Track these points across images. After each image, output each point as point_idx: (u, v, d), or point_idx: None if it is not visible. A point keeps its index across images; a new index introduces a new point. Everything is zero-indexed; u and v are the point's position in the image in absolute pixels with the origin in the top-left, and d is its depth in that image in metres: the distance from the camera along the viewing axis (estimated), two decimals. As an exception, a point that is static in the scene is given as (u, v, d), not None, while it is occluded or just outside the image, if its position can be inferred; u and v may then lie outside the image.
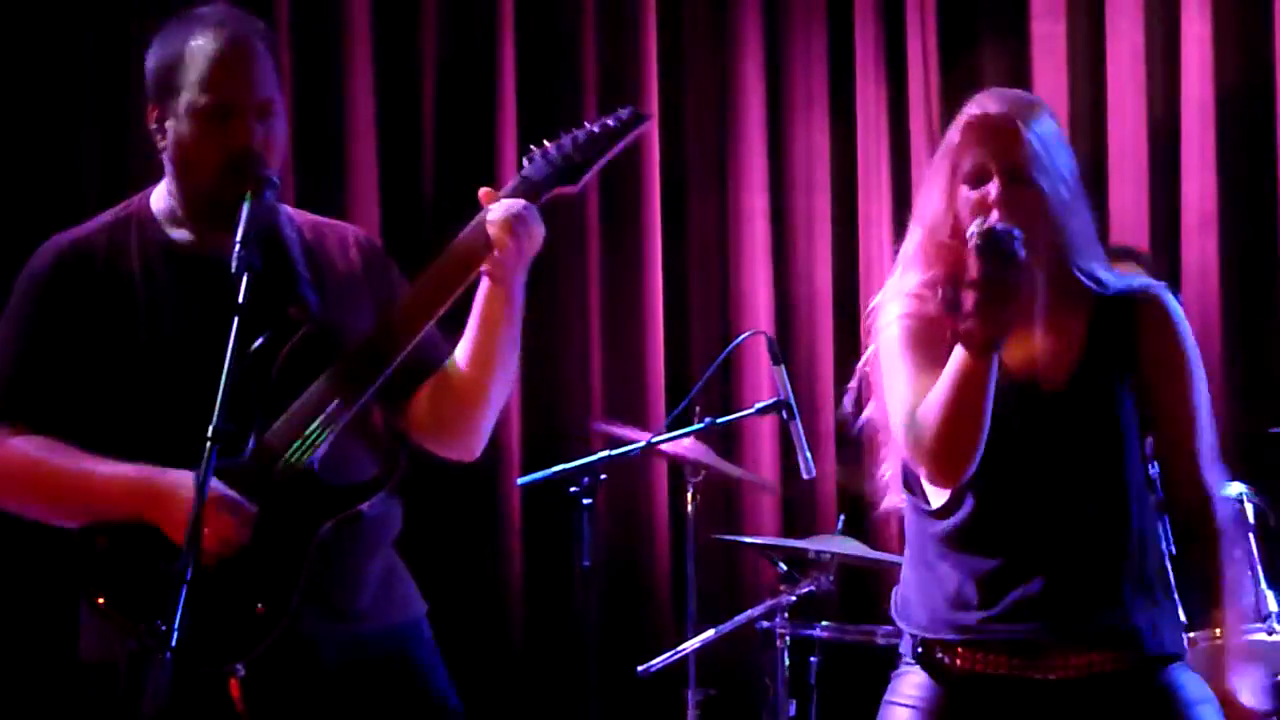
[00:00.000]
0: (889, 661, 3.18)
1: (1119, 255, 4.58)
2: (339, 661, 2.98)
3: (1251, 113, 5.77)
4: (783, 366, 4.60)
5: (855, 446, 5.85)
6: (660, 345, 5.92)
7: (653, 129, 5.81)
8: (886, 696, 3.12)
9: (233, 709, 2.83)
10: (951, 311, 2.81)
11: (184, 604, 2.56)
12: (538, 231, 2.98)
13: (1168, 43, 5.86)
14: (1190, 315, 3.14)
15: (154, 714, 2.52)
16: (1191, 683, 2.99)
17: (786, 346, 5.81)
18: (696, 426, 4.73)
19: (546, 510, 5.41)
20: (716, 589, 5.67)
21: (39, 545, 3.15)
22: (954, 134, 2.99)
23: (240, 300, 2.75)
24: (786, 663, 4.92)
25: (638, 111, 3.07)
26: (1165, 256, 5.65)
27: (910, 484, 3.09)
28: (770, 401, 4.61)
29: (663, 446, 4.76)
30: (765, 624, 4.95)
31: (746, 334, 5.17)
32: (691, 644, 4.91)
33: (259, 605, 2.84)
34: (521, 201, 2.97)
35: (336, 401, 2.92)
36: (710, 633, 4.91)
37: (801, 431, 4.58)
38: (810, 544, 5.14)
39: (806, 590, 4.92)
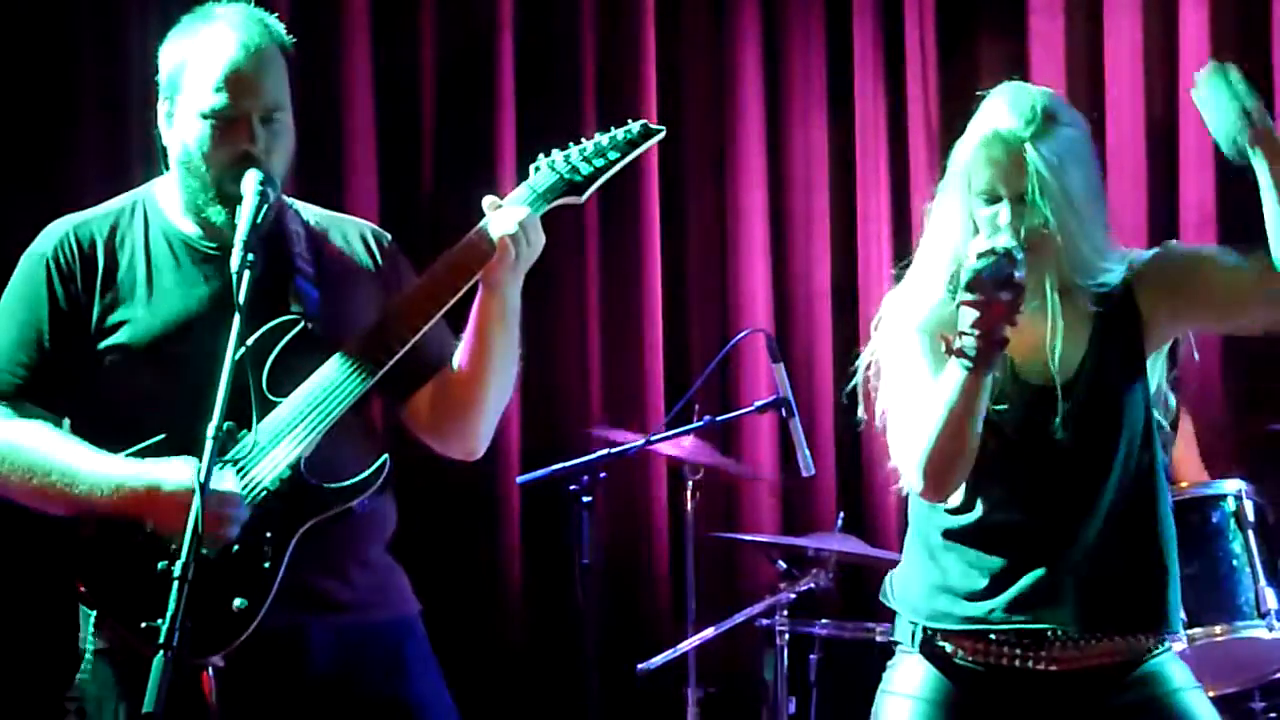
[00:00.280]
0: (888, 658, 3.18)
1: None
2: (328, 655, 2.98)
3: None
4: (781, 364, 4.59)
5: (854, 444, 5.88)
6: (659, 343, 5.92)
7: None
8: (884, 687, 3.14)
9: (203, 702, 2.83)
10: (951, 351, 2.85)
11: (175, 601, 2.57)
12: (537, 241, 2.99)
13: (1166, 39, 5.86)
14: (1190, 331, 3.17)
15: (152, 712, 2.52)
16: (1180, 671, 3.05)
17: (785, 344, 5.81)
18: (696, 424, 4.73)
19: (546, 509, 5.41)
20: (716, 587, 5.67)
21: (36, 531, 3.15)
22: (966, 148, 2.98)
23: (239, 300, 2.76)
24: (786, 660, 4.92)
25: (648, 125, 3.08)
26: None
27: None
28: (769, 399, 4.61)
29: (655, 447, 4.76)
30: (765, 621, 4.96)
31: (745, 332, 5.17)
32: (691, 642, 4.91)
33: (236, 601, 2.85)
34: (525, 211, 2.98)
35: (327, 400, 2.93)
36: (710, 631, 4.92)
37: (800, 429, 4.58)
38: (809, 541, 5.14)
39: (806, 588, 4.93)
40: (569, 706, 4.92)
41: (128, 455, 2.89)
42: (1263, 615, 4.63)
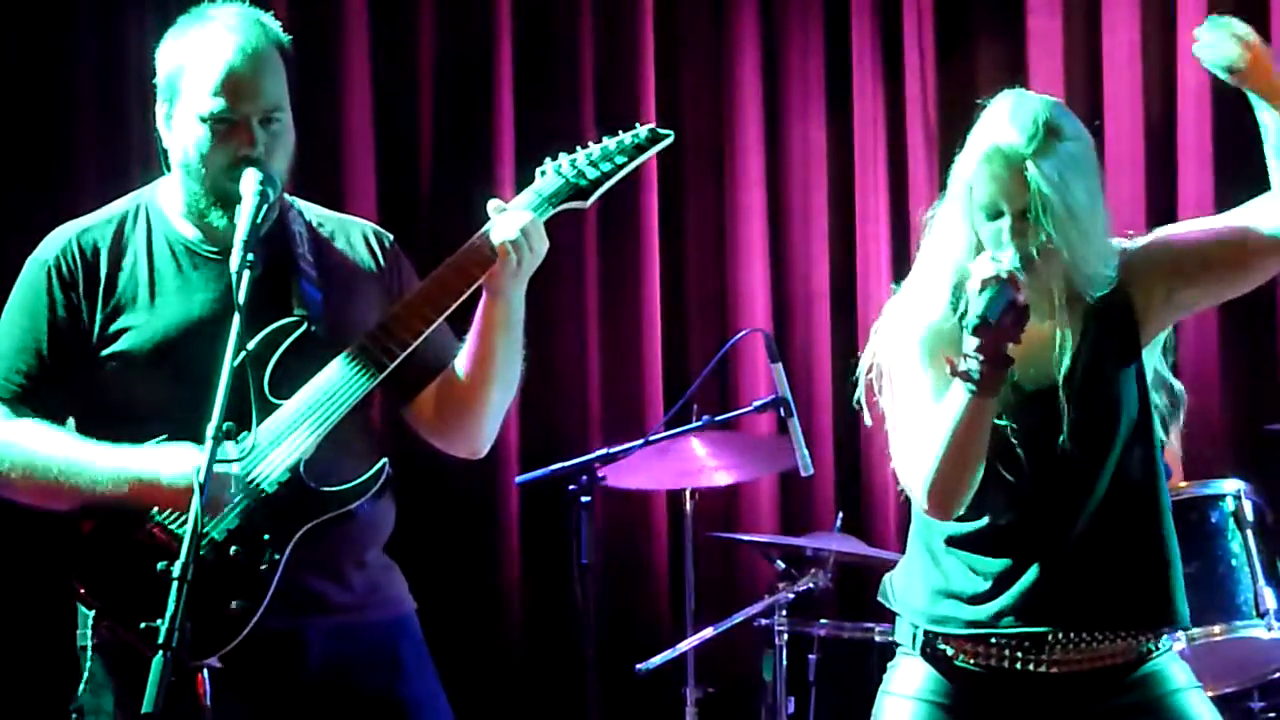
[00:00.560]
0: (887, 658, 3.18)
1: None
2: (323, 655, 2.98)
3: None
4: (780, 364, 4.59)
5: (853, 444, 5.88)
6: (658, 343, 5.91)
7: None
8: (884, 688, 3.13)
9: (197, 703, 2.83)
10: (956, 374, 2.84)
11: (174, 602, 2.57)
12: (540, 248, 2.98)
13: (1164, 39, 5.86)
14: (1190, 313, 3.16)
15: (151, 713, 2.52)
16: (1181, 672, 3.05)
17: (784, 344, 5.81)
18: (694, 424, 4.72)
19: (545, 508, 5.41)
20: (715, 587, 5.66)
21: (36, 530, 3.15)
22: (968, 162, 2.97)
23: (239, 300, 2.76)
24: (785, 660, 4.92)
25: (655, 129, 3.08)
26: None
27: None
28: (768, 399, 4.60)
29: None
30: (764, 621, 4.95)
31: (744, 331, 5.17)
32: (690, 642, 4.91)
33: (233, 603, 2.85)
34: (529, 215, 2.97)
35: (329, 403, 2.93)
36: (709, 630, 4.91)
37: (799, 429, 4.57)
38: (808, 541, 5.14)
39: (804, 588, 4.92)
40: (568, 706, 4.92)
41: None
42: (1261, 615, 4.63)
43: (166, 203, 3.07)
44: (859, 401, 3.14)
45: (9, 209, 5.16)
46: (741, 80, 6.06)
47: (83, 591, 2.92)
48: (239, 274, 2.79)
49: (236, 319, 2.76)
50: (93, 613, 2.92)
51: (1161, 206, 5.78)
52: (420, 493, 3.82)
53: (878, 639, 4.81)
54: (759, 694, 4.98)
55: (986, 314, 2.80)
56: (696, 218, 6.08)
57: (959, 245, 2.99)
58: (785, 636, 4.92)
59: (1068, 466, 2.98)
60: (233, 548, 2.86)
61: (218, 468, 2.75)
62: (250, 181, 2.90)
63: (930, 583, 3.06)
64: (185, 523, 2.63)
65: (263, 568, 2.87)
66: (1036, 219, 2.89)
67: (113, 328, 2.98)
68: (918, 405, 2.98)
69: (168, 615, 2.55)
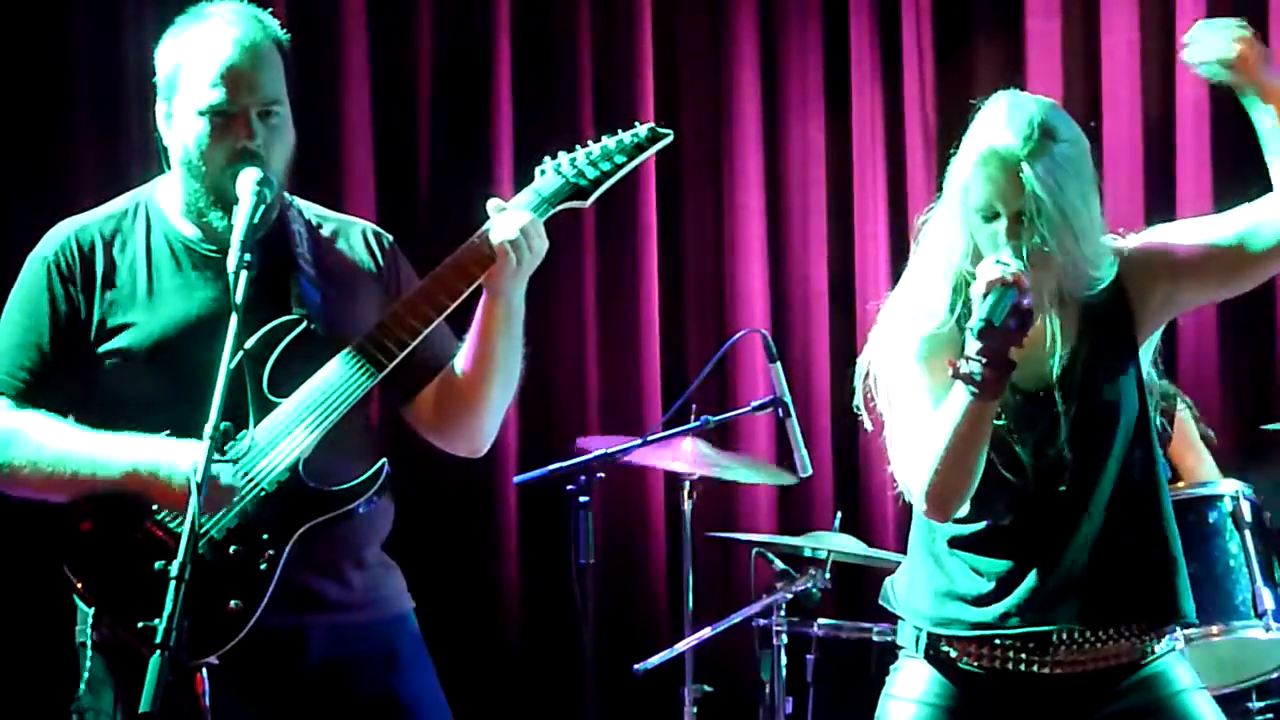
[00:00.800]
0: (885, 658, 3.18)
1: None
2: (322, 654, 2.99)
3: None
4: (778, 364, 4.59)
5: (851, 444, 5.88)
6: (656, 343, 5.91)
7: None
8: (887, 690, 3.13)
9: (195, 702, 2.83)
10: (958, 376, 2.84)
11: (172, 601, 2.57)
12: (540, 247, 2.98)
13: (1163, 39, 5.86)
14: (1186, 313, 3.15)
15: (149, 712, 2.52)
16: (1184, 672, 3.05)
17: (782, 344, 5.80)
18: (692, 425, 4.72)
19: (543, 509, 5.41)
20: (713, 587, 5.67)
21: (35, 527, 3.15)
22: (963, 164, 2.96)
23: (236, 300, 2.76)
24: (783, 660, 4.92)
25: (655, 128, 3.07)
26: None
27: None
28: (766, 399, 4.60)
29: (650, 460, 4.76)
30: (762, 621, 4.95)
31: (742, 332, 5.16)
32: (688, 641, 4.91)
33: (232, 602, 2.85)
34: (528, 215, 2.97)
35: (328, 402, 2.93)
36: (707, 630, 4.91)
37: (797, 429, 4.57)
38: (806, 541, 5.14)
39: (803, 588, 4.92)
40: (566, 706, 4.92)
41: None
42: (1260, 615, 4.63)
43: (166, 201, 3.07)
44: (858, 406, 3.13)
45: (9, 208, 5.16)
46: (740, 80, 6.06)
47: (81, 587, 2.91)
48: (236, 274, 2.79)
49: (233, 318, 2.76)
50: (92, 610, 2.92)
51: (1160, 206, 5.78)
52: (419, 492, 3.83)
53: (876, 639, 4.81)
54: (757, 694, 4.97)
55: (991, 317, 2.79)
56: (695, 217, 6.08)
57: (956, 248, 2.99)
58: (784, 636, 4.92)
59: (1068, 466, 2.98)
60: (232, 546, 2.86)
61: (216, 467, 2.75)
62: (247, 181, 2.90)
63: (934, 585, 3.06)
64: (184, 521, 2.63)
65: (262, 566, 2.87)
66: (1031, 221, 2.89)
67: (111, 324, 2.99)
68: (916, 408, 2.97)
69: (165, 614, 2.55)
